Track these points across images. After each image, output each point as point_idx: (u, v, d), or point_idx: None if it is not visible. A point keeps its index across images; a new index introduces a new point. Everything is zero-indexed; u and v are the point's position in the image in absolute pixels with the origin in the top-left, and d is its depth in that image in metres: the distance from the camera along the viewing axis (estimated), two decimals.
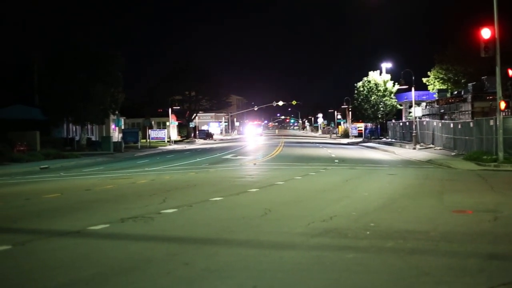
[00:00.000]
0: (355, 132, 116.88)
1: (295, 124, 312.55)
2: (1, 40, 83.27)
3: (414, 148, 59.67)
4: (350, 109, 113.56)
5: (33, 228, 14.04)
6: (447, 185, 24.84)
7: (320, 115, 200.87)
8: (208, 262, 10.19)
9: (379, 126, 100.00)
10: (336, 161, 43.28)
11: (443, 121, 63.79)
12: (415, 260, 10.23)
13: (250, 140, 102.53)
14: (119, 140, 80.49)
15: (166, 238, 12.47)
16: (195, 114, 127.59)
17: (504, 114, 41.60)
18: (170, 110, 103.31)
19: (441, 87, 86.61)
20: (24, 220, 15.45)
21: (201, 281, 9.04)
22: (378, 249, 11.15)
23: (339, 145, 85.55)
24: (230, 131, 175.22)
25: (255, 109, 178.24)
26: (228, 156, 52.64)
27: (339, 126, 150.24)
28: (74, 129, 78.21)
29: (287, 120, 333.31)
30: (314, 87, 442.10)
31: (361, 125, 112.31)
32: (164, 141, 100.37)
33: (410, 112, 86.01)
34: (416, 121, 66.60)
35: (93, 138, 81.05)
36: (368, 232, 12.88)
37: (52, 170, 40.99)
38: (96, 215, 15.84)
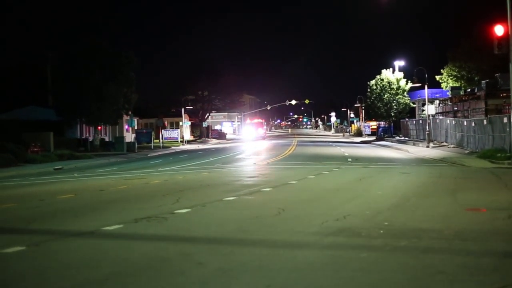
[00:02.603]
0: (368, 131, 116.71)
1: (308, 123, 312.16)
2: (14, 41, 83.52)
3: (428, 146, 59.55)
4: (363, 107, 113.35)
5: (47, 229, 14.09)
6: (461, 183, 24.76)
7: (333, 114, 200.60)
8: (222, 261, 10.20)
9: (392, 125, 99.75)
10: (349, 159, 43.23)
11: (456, 118, 63.62)
12: (429, 259, 10.20)
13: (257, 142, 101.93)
14: (132, 141, 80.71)
15: (180, 238, 12.49)
16: (208, 114, 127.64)
17: None
18: (183, 110, 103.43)
19: (454, 85, 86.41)
20: (39, 220, 15.50)
21: (215, 281, 9.05)
22: (392, 248, 11.13)
23: (352, 143, 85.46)
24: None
25: (268, 108, 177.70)
26: (241, 156, 52.68)
27: (352, 125, 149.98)
28: (87, 130, 78.45)
29: (300, 119, 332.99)
30: (327, 86, 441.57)
31: (374, 124, 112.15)
32: (177, 141, 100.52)
33: (423, 110, 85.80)
34: (429, 119, 66.39)
35: (107, 139, 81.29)
36: (381, 231, 12.85)
37: (66, 171, 41.15)
38: (110, 216, 15.88)
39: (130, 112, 79.97)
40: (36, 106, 74.85)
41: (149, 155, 63.96)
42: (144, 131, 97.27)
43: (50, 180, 31.99)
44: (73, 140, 69.54)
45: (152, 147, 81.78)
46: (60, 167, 43.90)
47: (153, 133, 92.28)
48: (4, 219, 16.14)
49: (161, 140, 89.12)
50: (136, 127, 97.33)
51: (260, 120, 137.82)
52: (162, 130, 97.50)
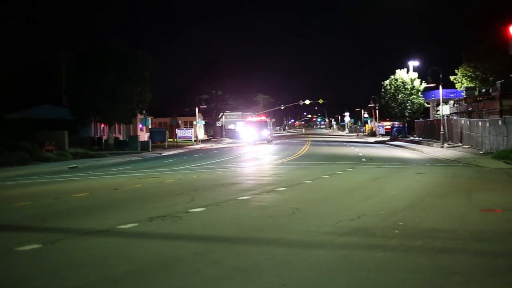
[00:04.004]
0: (382, 131, 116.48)
1: (322, 123, 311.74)
2: (29, 40, 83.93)
3: (442, 147, 59.40)
4: (377, 107, 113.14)
5: (62, 227, 14.14)
6: (476, 183, 24.70)
7: (347, 114, 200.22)
8: (237, 261, 10.22)
9: (406, 125, 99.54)
10: (364, 159, 43.17)
11: (471, 119, 63.38)
12: (444, 259, 10.19)
13: (277, 140, 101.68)
14: (146, 140, 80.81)
15: (195, 237, 12.52)
16: (221, 113, 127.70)
17: None
18: (197, 109, 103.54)
19: (469, 85, 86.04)
20: (54, 219, 15.56)
21: (229, 280, 9.06)
22: (407, 248, 11.12)
23: (366, 143, 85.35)
24: None
25: (282, 108, 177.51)
26: (255, 155, 52.69)
27: (366, 125, 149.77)
28: (101, 129, 78.67)
29: (314, 119, 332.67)
30: (341, 86, 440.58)
31: (388, 124, 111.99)
32: (191, 140, 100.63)
33: (437, 111, 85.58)
34: (443, 120, 66.18)
35: (121, 138, 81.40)
36: (396, 231, 12.84)
37: (80, 169, 41.27)
38: (125, 214, 15.92)
39: (144, 111, 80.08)
40: (50, 105, 75.09)
41: (163, 154, 64.07)
42: (159, 130, 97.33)
43: (64, 179, 32.10)
44: (87, 139, 69.73)
45: (166, 146, 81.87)
46: (74, 165, 44.02)
47: (167, 132, 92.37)
48: (19, 217, 16.22)
49: (175, 139, 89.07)
50: (150, 126, 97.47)
51: (263, 118, 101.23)
52: (176, 129, 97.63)
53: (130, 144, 71.82)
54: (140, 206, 17.80)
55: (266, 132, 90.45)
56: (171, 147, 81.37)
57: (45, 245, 11.79)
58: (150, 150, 71.79)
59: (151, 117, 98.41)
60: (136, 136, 76.55)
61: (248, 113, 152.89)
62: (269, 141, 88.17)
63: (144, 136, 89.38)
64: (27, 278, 9.43)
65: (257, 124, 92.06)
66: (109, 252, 11.15)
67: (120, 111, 69.67)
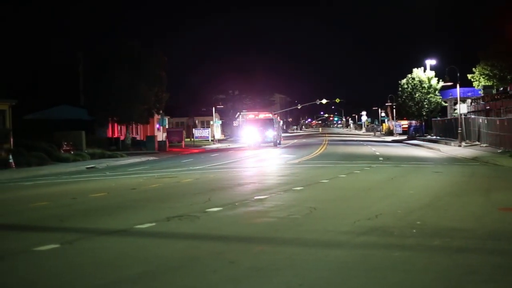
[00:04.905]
0: (399, 130, 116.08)
1: (339, 122, 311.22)
2: (46, 42, 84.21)
3: (460, 146, 59.12)
4: (394, 106, 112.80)
5: (80, 227, 14.20)
6: (494, 182, 24.58)
7: (363, 113, 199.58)
8: (254, 260, 10.23)
9: (423, 124, 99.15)
10: (381, 159, 43.03)
11: (488, 118, 63.06)
12: (462, 259, 10.15)
13: (294, 139, 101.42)
14: (163, 140, 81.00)
15: (211, 236, 12.54)
16: (238, 113, 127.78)
17: None
18: (213, 109, 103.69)
19: (487, 84, 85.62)
20: (72, 219, 15.64)
21: (247, 280, 9.07)
22: (425, 248, 11.09)
23: (383, 142, 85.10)
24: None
25: (299, 107, 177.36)
26: (272, 155, 52.67)
27: (383, 124, 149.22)
28: (118, 129, 78.95)
29: (331, 118, 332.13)
30: (358, 85, 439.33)
31: (405, 123, 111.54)
32: (208, 140, 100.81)
33: (455, 109, 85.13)
34: (461, 118, 65.86)
35: (138, 138, 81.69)
36: (414, 230, 12.79)
37: (98, 169, 41.45)
38: (142, 214, 15.98)
39: (161, 111, 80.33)
40: (68, 106, 75.49)
41: (180, 154, 64.20)
42: (176, 130, 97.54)
43: (82, 179, 32.24)
44: (104, 139, 69.98)
45: (183, 146, 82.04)
46: (92, 166, 44.21)
47: (184, 132, 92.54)
48: (38, 217, 16.33)
49: (192, 139, 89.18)
50: (167, 126, 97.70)
51: (268, 115, 79.65)
52: (193, 129, 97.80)
53: (147, 144, 72.04)
54: (157, 206, 17.86)
55: (272, 133, 74.41)
56: (188, 146, 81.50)
57: (63, 245, 11.85)
58: (167, 150, 71.95)
59: (168, 117, 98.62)
60: (153, 136, 76.78)
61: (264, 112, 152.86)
62: (276, 144, 73.99)
63: (161, 136, 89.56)
64: (46, 277, 9.50)
65: (260, 123, 74.86)
66: (127, 251, 11.19)
67: (137, 111, 69.90)
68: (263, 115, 78.34)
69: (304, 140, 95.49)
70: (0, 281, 9.41)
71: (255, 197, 19.15)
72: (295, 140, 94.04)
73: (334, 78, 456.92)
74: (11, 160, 41.63)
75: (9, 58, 74.46)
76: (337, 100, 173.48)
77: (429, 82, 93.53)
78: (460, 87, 68.04)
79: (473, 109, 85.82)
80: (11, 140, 47.27)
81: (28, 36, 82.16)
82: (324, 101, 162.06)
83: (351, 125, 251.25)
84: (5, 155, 43.26)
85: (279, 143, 76.66)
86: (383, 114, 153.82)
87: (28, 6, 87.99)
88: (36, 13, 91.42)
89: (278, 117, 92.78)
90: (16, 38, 78.06)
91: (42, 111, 73.82)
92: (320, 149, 60.30)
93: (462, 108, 71.38)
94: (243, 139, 79.11)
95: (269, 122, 75.17)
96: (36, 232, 13.85)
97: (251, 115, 78.66)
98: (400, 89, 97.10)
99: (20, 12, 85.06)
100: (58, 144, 53.39)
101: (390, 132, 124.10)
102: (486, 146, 54.69)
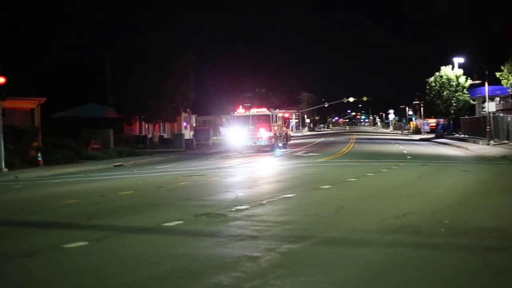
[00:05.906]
0: (427, 128, 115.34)
1: (366, 120, 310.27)
2: (75, 41, 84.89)
3: (488, 144, 58.67)
4: (421, 104, 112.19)
5: (108, 225, 14.29)
6: None
7: (391, 111, 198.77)
8: (282, 258, 10.23)
9: (451, 122, 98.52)
10: (408, 157, 42.82)
11: None
12: (491, 258, 10.07)
13: (323, 137, 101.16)
14: (190, 138, 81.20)
15: (239, 234, 12.55)
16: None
17: None
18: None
19: None
20: (100, 216, 15.74)
21: (274, 277, 9.07)
22: (453, 247, 11.02)
23: (410, 141, 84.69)
24: (300, 128, 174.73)
25: (326, 105, 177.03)
26: (299, 153, 52.60)
27: (411, 122, 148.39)
28: (146, 127, 79.27)
29: (358, 117, 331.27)
30: (386, 83, 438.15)
31: (433, 121, 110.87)
32: None
33: (483, 108, 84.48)
34: (489, 117, 65.36)
35: (165, 136, 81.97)
36: (442, 229, 12.72)
37: (126, 167, 41.63)
38: (170, 212, 16.05)
39: (188, 110, 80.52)
40: (95, 104, 75.94)
41: (207, 152, 64.27)
42: (203, 128, 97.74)
43: (110, 177, 32.40)
44: (132, 137, 70.31)
45: (211, 144, 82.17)
46: (120, 163, 44.41)
47: (211, 130, 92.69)
48: (66, 215, 16.45)
49: (219, 137, 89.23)
50: (194, 124, 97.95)
51: (265, 111, 61.32)
52: (220, 128, 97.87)
53: (174, 142, 72.27)
54: (185, 203, 17.93)
55: (266, 134, 56.46)
56: (216, 145, 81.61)
57: (91, 242, 11.94)
58: (194, 148, 72.08)
59: (195, 115, 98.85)
60: (180, 134, 77.03)
61: (291, 111, 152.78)
62: (274, 147, 56.90)
63: (188, 134, 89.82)
64: (75, 275, 9.56)
65: (259, 122, 57.94)
66: (155, 249, 11.24)
67: (164, 109, 70.18)
68: (259, 110, 62.82)
69: (331, 139, 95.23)
70: (30, 278, 9.49)
71: (282, 196, 19.14)
72: (322, 139, 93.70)
73: (362, 76, 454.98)
74: (40, 158, 41.93)
75: (38, 57, 75.07)
76: (364, 98, 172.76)
77: (457, 80, 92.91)
78: (488, 85, 67.55)
79: (501, 108, 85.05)
80: (40, 138, 47.57)
81: (56, 35, 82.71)
82: (351, 99, 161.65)
83: (378, 124, 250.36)
84: (34, 153, 43.57)
85: (282, 146, 60.36)
86: (410, 113, 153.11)
87: (56, 5, 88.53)
88: (64, 13, 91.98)
89: (284, 114, 74.71)
90: (44, 37, 78.58)
91: (70, 109, 74.33)
92: (347, 148, 60.10)
93: (491, 107, 70.78)
94: (230, 140, 61.91)
95: (266, 120, 57.94)
96: (65, 229, 13.95)
97: (239, 110, 64.29)
98: (427, 87, 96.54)
99: (47, 12, 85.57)
100: (86, 142, 53.66)
101: (417, 131, 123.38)
102: None
